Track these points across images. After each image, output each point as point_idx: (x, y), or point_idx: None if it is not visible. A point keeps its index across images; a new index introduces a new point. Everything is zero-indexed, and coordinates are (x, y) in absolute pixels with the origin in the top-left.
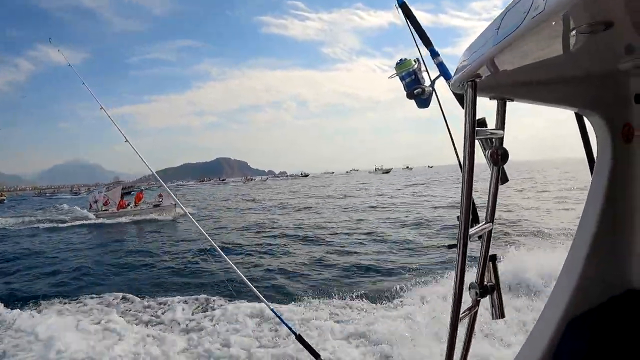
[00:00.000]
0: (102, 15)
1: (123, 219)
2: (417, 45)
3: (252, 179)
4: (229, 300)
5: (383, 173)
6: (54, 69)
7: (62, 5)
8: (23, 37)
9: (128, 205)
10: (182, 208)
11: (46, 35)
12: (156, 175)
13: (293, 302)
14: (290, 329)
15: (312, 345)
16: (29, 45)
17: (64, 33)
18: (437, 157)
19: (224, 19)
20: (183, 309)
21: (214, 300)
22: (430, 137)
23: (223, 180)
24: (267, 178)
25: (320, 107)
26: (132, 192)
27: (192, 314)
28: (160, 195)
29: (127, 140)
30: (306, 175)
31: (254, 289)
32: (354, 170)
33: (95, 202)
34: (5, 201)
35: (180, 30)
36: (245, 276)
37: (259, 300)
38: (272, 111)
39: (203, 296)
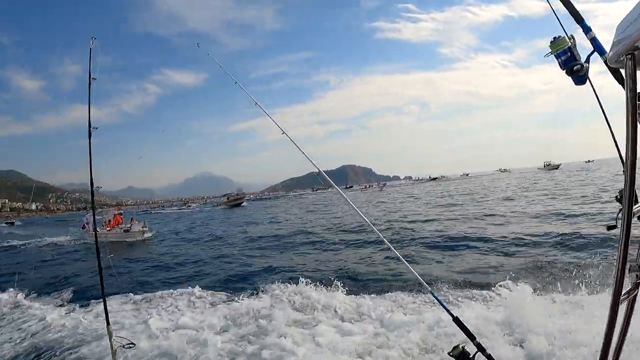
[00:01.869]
0: (215, 37)
1: (111, 239)
2: (560, 23)
3: (370, 186)
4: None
5: (552, 169)
6: (177, 90)
7: (177, 32)
8: (148, 63)
9: (112, 228)
10: None
11: (167, 59)
12: (324, 173)
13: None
14: (448, 311)
15: (469, 328)
16: (154, 70)
17: (183, 56)
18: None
19: (337, 29)
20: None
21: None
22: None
23: (350, 187)
24: (385, 184)
25: (441, 108)
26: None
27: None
28: (132, 220)
29: (284, 133)
30: (435, 179)
31: (414, 271)
32: (505, 170)
33: (87, 223)
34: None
35: (297, 44)
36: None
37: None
38: (393, 115)
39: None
